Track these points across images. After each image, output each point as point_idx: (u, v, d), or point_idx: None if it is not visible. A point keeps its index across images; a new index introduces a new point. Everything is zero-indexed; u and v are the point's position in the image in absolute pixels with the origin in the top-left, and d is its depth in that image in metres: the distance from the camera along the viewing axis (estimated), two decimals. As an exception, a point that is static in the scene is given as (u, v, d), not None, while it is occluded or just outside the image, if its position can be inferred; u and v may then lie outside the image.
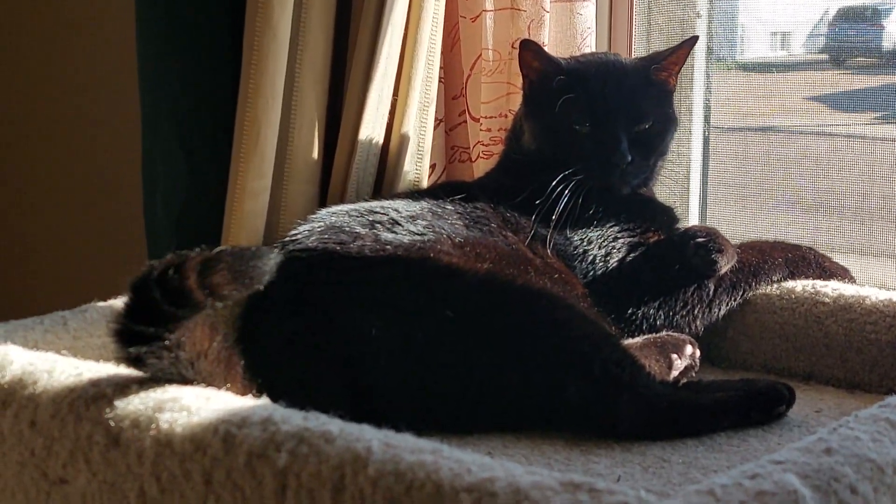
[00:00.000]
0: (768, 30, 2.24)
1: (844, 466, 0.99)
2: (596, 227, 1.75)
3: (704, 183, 2.20)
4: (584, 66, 1.81)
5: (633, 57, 2.06)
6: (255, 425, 1.04)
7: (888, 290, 1.81)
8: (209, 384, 1.18)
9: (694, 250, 1.71)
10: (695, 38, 1.85)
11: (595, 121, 1.76)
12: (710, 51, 2.17)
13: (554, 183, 1.71)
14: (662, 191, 1.93)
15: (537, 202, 1.72)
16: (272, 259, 1.15)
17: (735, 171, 2.20)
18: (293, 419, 1.04)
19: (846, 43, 2.13)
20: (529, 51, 1.81)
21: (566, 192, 1.71)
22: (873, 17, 2.11)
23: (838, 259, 1.87)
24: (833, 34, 2.13)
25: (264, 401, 1.13)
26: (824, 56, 2.17)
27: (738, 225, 2.15)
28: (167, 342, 1.13)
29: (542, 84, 1.80)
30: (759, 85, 2.25)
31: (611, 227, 1.76)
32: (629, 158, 1.74)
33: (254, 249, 1.15)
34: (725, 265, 1.72)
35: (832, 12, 2.11)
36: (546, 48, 1.99)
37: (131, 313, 1.12)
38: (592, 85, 1.77)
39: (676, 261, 1.72)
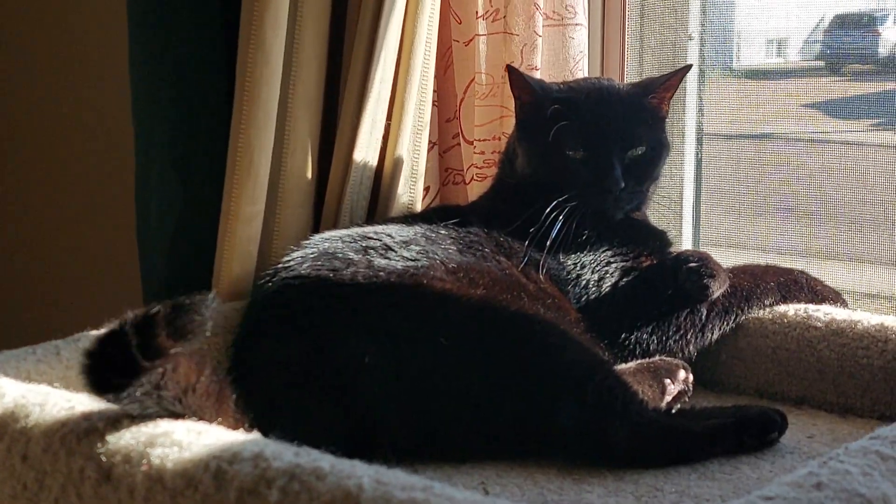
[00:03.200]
0: (764, 37, 2.24)
1: (834, 502, 0.99)
2: (589, 251, 1.75)
3: (698, 196, 2.21)
4: (576, 93, 1.81)
5: (626, 82, 2.06)
6: (247, 461, 1.04)
7: (884, 297, 1.82)
8: (200, 418, 1.18)
9: (686, 275, 1.71)
10: (688, 67, 1.85)
11: (589, 147, 1.76)
12: (702, 72, 2.18)
13: (548, 209, 1.71)
14: (657, 205, 1.94)
15: (531, 228, 1.72)
16: (209, 308, 1.14)
17: (732, 180, 2.20)
18: (284, 455, 1.04)
19: (842, 50, 2.14)
20: (518, 77, 1.82)
21: (560, 217, 1.71)
22: (869, 24, 2.12)
23: (836, 266, 1.87)
24: (829, 41, 2.13)
25: (256, 435, 1.14)
26: (820, 63, 2.17)
27: (734, 233, 2.16)
28: (145, 387, 1.13)
29: (535, 109, 1.81)
30: (756, 93, 2.25)
31: (604, 251, 1.76)
32: (622, 185, 1.74)
33: (189, 302, 1.13)
34: (717, 290, 1.72)
35: (828, 19, 2.12)
36: (539, 72, 2.00)
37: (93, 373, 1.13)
38: (585, 111, 1.77)
39: (669, 285, 1.73)
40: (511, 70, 1.84)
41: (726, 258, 1.91)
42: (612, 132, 1.76)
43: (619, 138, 1.76)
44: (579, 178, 1.75)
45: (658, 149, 1.81)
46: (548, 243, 1.71)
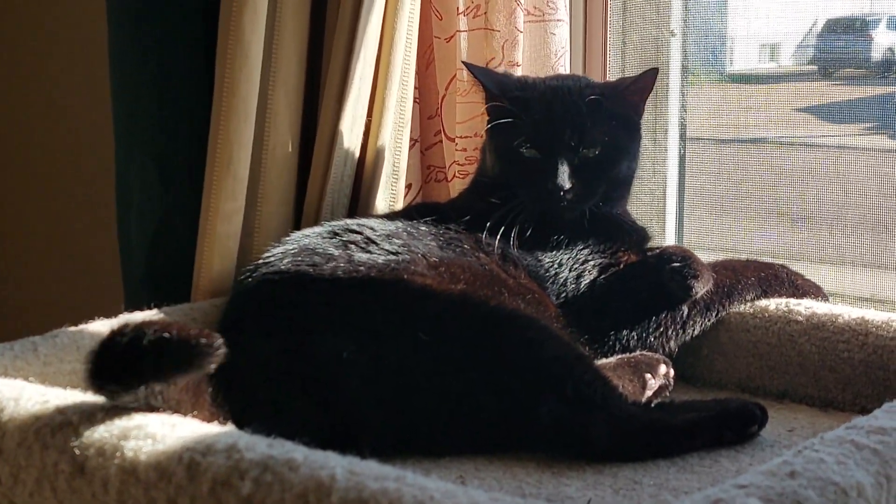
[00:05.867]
0: (757, 42, 2.25)
1: (808, 490, 0.99)
2: (566, 249, 1.75)
3: (681, 199, 2.21)
4: (532, 90, 1.80)
5: (601, 80, 2.06)
6: (220, 453, 1.04)
7: (873, 301, 1.82)
8: (175, 411, 1.18)
9: (670, 275, 1.70)
10: (655, 70, 1.81)
11: (537, 146, 1.75)
12: (684, 68, 2.18)
13: (506, 206, 1.73)
14: (640, 207, 1.93)
15: (488, 224, 1.72)
16: (219, 346, 1.15)
17: (723, 184, 2.20)
18: (258, 447, 1.04)
19: (835, 54, 2.14)
20: (473, 72, 1.83)
21: (510, 214, 1.72)
22: (861, 28, 2.12)
23: (825, 270, 1.87)
24: (821, 45, 2.14)
25: (229, 428, 1.13)
26: (813, 67, 2.18)
27: (722, 237, 2.16)
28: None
29: (495, 106, 1.80)
30: (749, 97, 2.25)
31: (581, 249, 1.75)
32: (567, 186, 1.73)
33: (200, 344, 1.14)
34: (701, 290, 1.72)
35: (820, 24, 2.12)
36: (520, 68, 2.00)
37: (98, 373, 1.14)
38: (537, 109, 1.76)
39: (651, 285, 1.72)
40: (468, 67, 1.86)
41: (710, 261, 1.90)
42: (562, 132, 1.75)
43: (570, 138, 1.74)
44: (527, 177, 1.75)
45: (615, 151, 1.78)
46: (512, 241, 1.72)
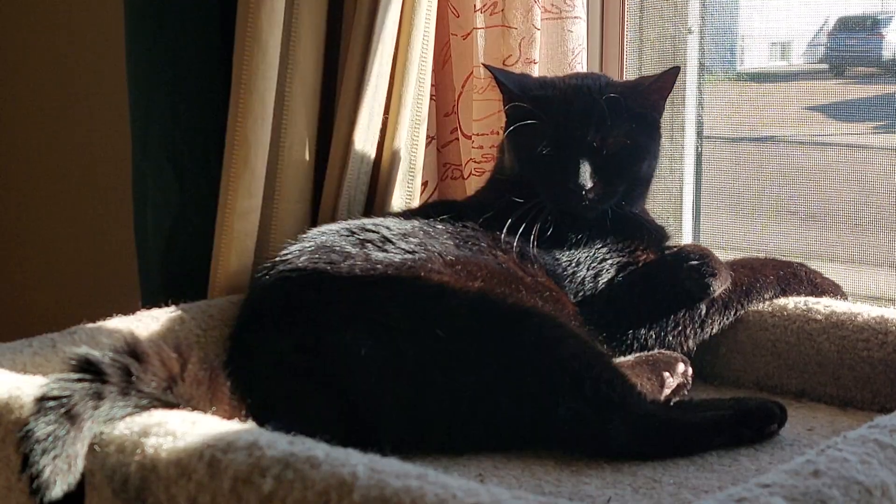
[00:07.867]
0: (768, 40, 2.24)
1: (832, 489, 0.99)
2: (584, 248, 1.74)
3: (697, 197, 2.20)
4: (552, 90, 1.80)
5: (620, 79, 2.05)
6: (241, 450, 1.04)
7: (886, 300, 1.81)
8: (193, 407, 1.18)
9: (687, 273, 1.70)
10: (676, 69, 1.80)
11: (557, 145, 1.75)
12: (701, 66, 2.18)
13: (526, 205, 1.72)
14: (657, 204, 1.92)
15: (509, 222, 1.72)
16: None
17: (735, 182, 2.20)
18: (279, 444, 1.04)
19: (846, 53, 2.14)
20: (495, 74, 1.83)
21: (531, 213, 1.71)
22: (873, 26, 2.12)
23: (838, 269, 1.86)
24: (832, 44, 2.13)
25: (250, 425, 1.13)
26: (824, 66, 2.17)
27: (736, 236, 2.16)
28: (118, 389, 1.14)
29: (515, 107, 1.80)
30: (759, 95, 2.25)
31: (598, 248, 1.75)
32: (589, 185, 1.72)
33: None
34: (719, 288, 1.71)
35: (831, 22, 2.12)
36: (537, 66, 2.00)
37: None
38: (557, 109, 1.76)
39: (669, 282, 1.72)
40: (488, 68, 1.86)
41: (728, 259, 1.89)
42: (582, 131, 1.74)
43: (591, 138, 1.74)
44: (548, 177, 1.75)
45: (636, 150, 1.78)
46: (533, 239, 1.71)
